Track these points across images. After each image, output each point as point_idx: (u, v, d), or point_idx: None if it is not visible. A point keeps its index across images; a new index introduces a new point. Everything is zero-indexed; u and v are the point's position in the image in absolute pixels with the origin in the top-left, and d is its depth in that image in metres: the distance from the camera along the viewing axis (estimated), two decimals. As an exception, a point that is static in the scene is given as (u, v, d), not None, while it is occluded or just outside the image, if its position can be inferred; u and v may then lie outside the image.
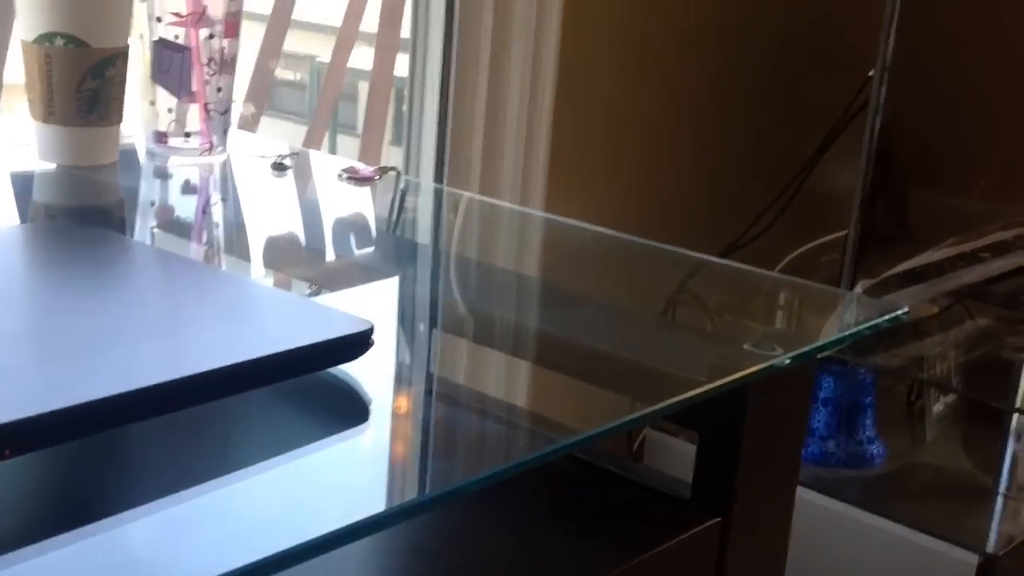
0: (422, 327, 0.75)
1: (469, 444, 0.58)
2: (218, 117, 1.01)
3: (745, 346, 0.68)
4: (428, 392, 0.64)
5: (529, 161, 1.67)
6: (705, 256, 0.89)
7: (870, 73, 1.56)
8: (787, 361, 0.66)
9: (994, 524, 1.59)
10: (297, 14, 1.87)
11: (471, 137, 1.61)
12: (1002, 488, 1.63)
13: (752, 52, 2.03)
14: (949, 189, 1.79)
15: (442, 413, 0.62)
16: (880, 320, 0.72)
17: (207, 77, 0.99)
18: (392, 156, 1.89)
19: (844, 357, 1.72)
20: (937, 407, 1.87)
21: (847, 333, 0.73)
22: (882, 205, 1.64)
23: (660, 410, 0.59)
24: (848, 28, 1.98)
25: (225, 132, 1.03)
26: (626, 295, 0.87)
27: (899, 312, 0.73)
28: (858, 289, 1.61)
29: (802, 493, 1.65)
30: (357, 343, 0.64)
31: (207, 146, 1.02)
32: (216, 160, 1.03)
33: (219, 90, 1.00)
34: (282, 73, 2.91)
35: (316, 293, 0.78)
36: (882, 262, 1.63)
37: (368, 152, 1.88)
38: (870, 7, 1.58)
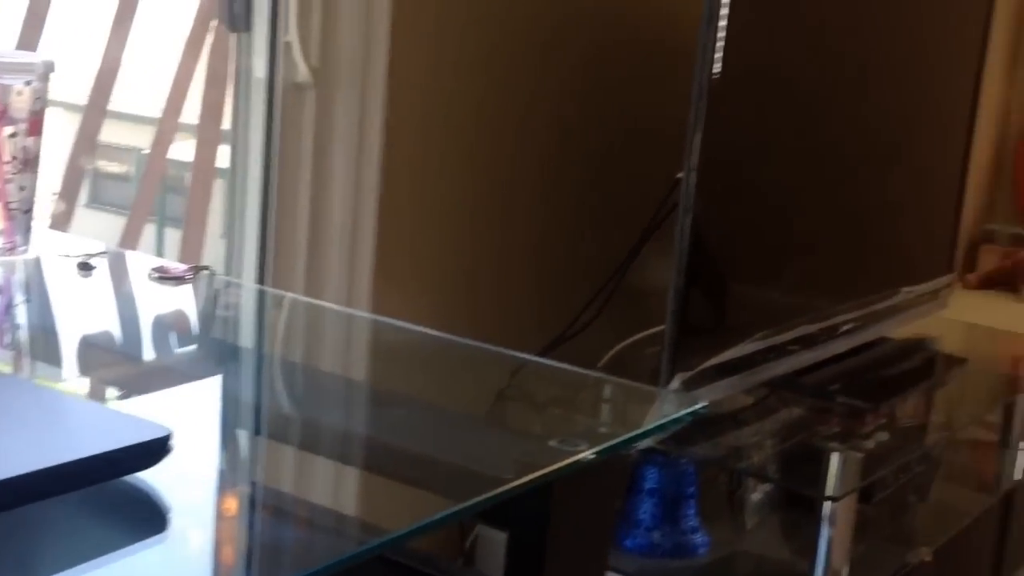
0: (228, 430, 0.73)
1: (269, 549, 0.57)
2: (21, 216, 0.98)
3: (551, 443, 0.69)
4: (230, 497, 0.63)
5: (354, 259, 1.67)
6: (524, 355, 0.90)
7: (679, 175, 1.63)
8: (591, 456, 0.67)
9: (811, 609, 1.64)
10: (122, 105, 1.84)
11: (294, 232, 1.60)
12: (818, 575, 1.68)
13: (571, 154, 2.09)
14: (759, 284, 1.87)
15: (243, 519, 0.61)
16: (681, 414, 0.74)
17: (9, 176, 0.96)
18: (221, 250, 1.86)
19: (666, 448, 1.75)
20: (755, 496, 1.93)
21: (649, 427, 0.75)
22: (697, 300, 1.70)
23: (457, 512, 0.59)
24: (662, 128, 2.07)
25: (28, 231, 1.00)
26: (445, 395, 0.87)
27: (699, 407, 0.76)
28: (675, 383, 1.65)
29: (630, 586, 1.68)
30: (155, 450, 0.62)
31: (9, 246, 0.99)
32: (19, 259, 1.00)
33: (22, 188, 0.98)
34: (107, 165, 2.84)
35: (116, 398, 0.76)
36: (698, 355, 1.68)
37: (189, 247, 1.85)
38: (679, 110, 1.66)
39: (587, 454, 0.67)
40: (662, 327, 1.75)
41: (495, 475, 0.68)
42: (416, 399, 0.84)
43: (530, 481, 0.63)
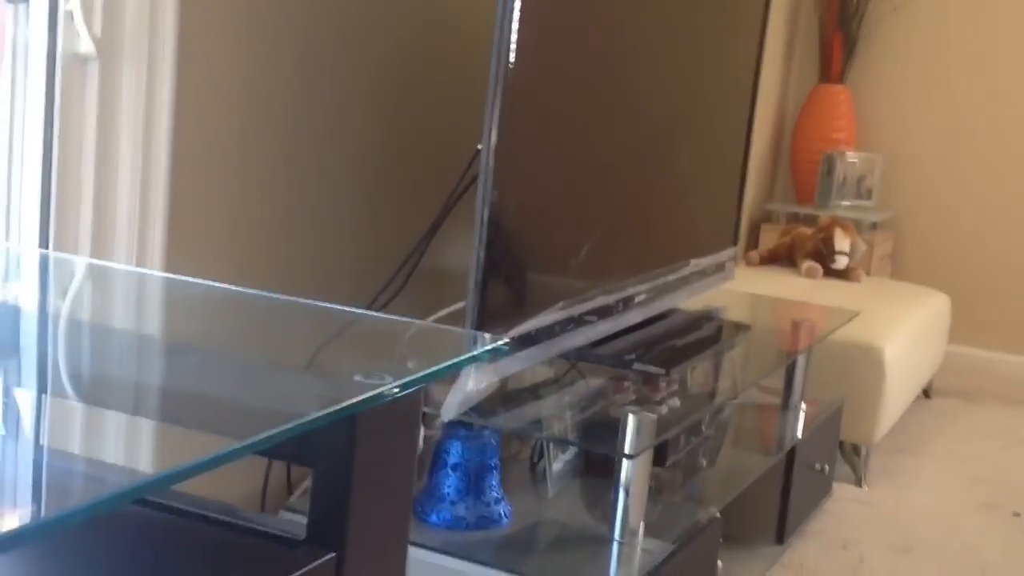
0: (7, 390, 0.70)
1: (48, 493, 0.55)
2: None
3: (356, 377, 0.68)
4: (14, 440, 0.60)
5: (145, 220, 1.62)
6: (332, 304, 0.89)
7: (479, 146, 1.65)
8: (396, 390, 0.68)
9: (611, 570, 1.69)
10: None
11: (79, 197, 1.54)
12: (616, 535, 1.74)
13: (368, 127, 2.08)
14: (557, 258, 1.92)
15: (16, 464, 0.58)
16: (481, 351, 0.75)
17: None
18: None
19: (470, 420, 1.77)
20: (557, 465, 1.97)
21: (453, 362, 0.75)
22: (498, 272, 1.72)
23: (253, 444, 0.58)
24: (460, 102, 2.09)
25: None
26: (247, 345, 0.85)
27: (499, 343, 0.77)
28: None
29: (436, 559, 1.69)
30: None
31: None
32: None
33: None
34: None
35: None
36: (500, 325, 1.71)
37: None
38: (479, 85, 1.68)
39: (390, 386, 0.67)
40: (463, 304, 1.77)
41: (296, 413, 0.67)
42: (214, 349, 0.82)
43: (334, 412, 0.62)
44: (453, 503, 1.79)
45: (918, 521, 2.60)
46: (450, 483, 1.80)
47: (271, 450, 0.61)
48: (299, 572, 0.65)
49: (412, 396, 0.71)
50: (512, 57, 1.64)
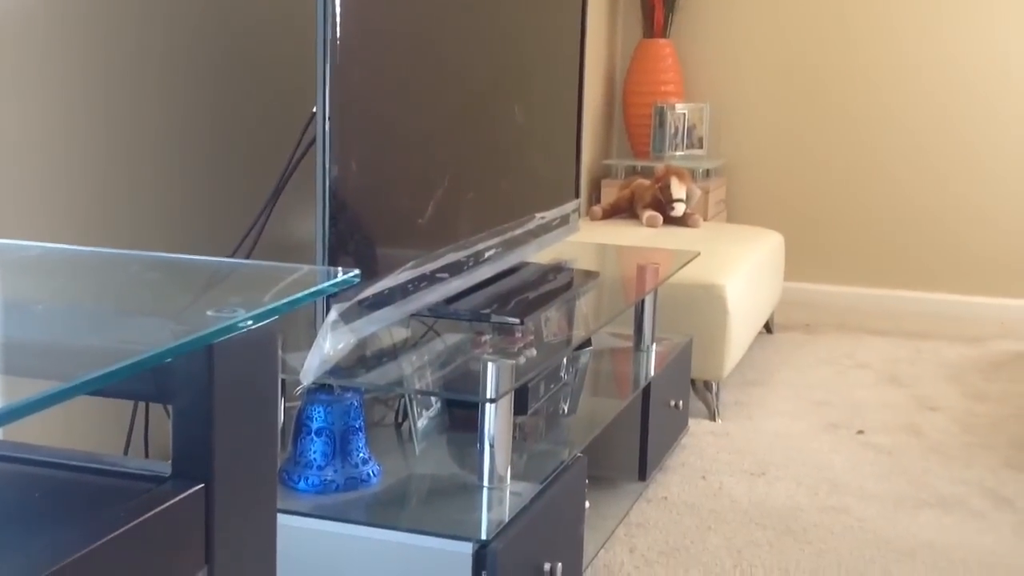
0: None
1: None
2: None
3: (208, 312, 0.69)
4: None
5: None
6: (182, 255, 0.89)
7: (313, 109, 1.65)
8: (250, 322, 0.69)
9: (482, 514, 1.72)
10: None
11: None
12: (485, 481, 1.77)
13: (205, 90, 2.05)
14: (405, 216, 1.93)
15: None
16: (329, 284, 0.77)
17: None
18: None
19: (331, 384, 1.78)
20: (422, 422, 1.99)
21: (304, 293, 0.77)
22: (344, 232, 1.73)
23: (106, 376, 0.58)
24: (293, 67, 2.07)
25: None
26: (98, 297, 0.85)
27: (350, 275, 0.78)
28: (332, 315, 1.68)
29: (308, 523, 1.69)
30: None
31: None
32: None
33: None
34: None
35: None
36: (354, 289, 1.72)
37: None
38: (308, 48, 1.67)
39: (243, 317, 0.68)
40: (314, 266, 1.77)
41: (147, 349, 0.67)
42: (63, 304, 0.81)
43: (184, 344, 0.63)
44: (321, 468, 1.80)
45: (770, 446, 2.72)
46: (316, 448, 1.80)
47: (131, 390, 0.62)
48: (165, 505, 0.65)
49: (267, 329, 0.72)
50: (338, 20, 1.64)
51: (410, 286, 1.89)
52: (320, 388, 1.80)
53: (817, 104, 4.15)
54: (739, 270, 3.02)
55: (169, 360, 0.64)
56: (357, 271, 0.79)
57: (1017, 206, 4.03)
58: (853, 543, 2.23)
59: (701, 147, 4.12)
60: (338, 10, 1.63)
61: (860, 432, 2.84)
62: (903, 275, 4.16)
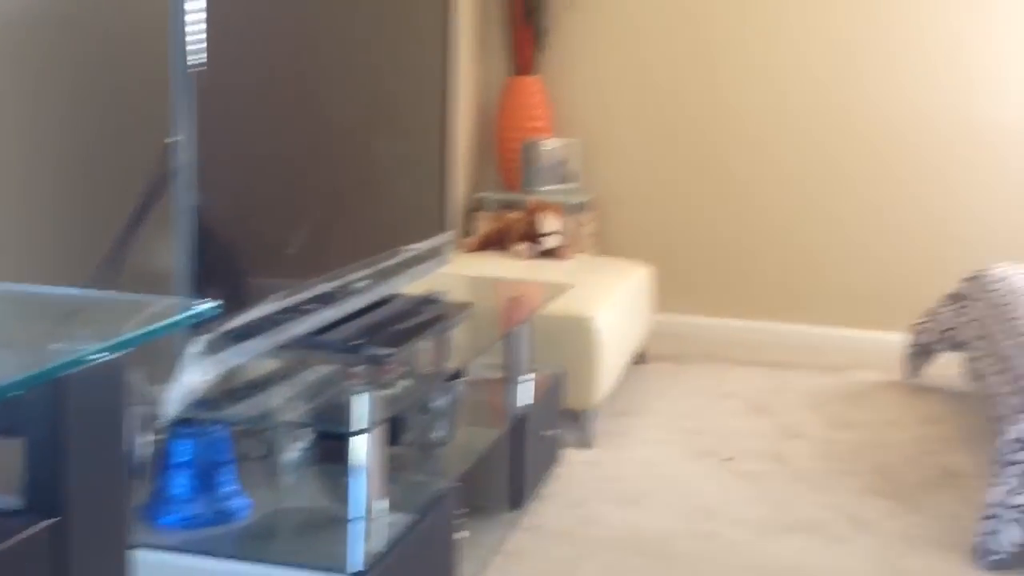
0: None
1: None
2: None
3: (55, 345, 0.67)
4: None
5: None
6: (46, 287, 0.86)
7: (167, 140, 1.61)
8: (102, 354, 0.67)
9: (356, 546, 1.70)
10: None
11: None
12: (356, 513, 1.75)
13: (68, 120, 2.00)
14: (271, 247, 1.91)
15: None
16: (185, 316, 0.75)
17: None
18: None
19: (197, 417, 1.74)
20: (293, 455, 1.96)
21: (159, 326, 0.75)
22: (208, 268, 1.69)
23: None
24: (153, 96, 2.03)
25: None
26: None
27: (208, 307, 0.77)
28: (196, 346, 1.64)
29: (175, 559, 1.64)
30: None
31: None
32: None
33: None
34: None
35: None
36: (218, 317, 1.68)
37: None
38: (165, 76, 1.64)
39: (93, 350, 0.66)
40: (175, 298, 1.73)
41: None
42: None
43: (26, 380, 0.61)
44: (186, 502, 1.75)
45: (642, 474, 2.76)
46: (181, 483, 1.76)
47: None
48: (16, 539, 0.63)
49: (119, 361, 0.70)
50: (198, 52, 1.62)
51: (279, 317, 1.86)
52: (185, 421, 1.76)
53: (685, 138, 4.26)
54: (609, 302, 3.06)
55: (19, 393, 0.62)
56: (218, 303, 0.78)
57: (876, 239, 4.19)
58: (725, 568, 2.27)
59: (572, 181, 4.18)
60: (197, 38, 1.61)
61: (729, 459, 2.90)
62: (769, 307, 4.28)
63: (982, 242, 4.05)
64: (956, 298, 3.56)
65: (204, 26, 1.63)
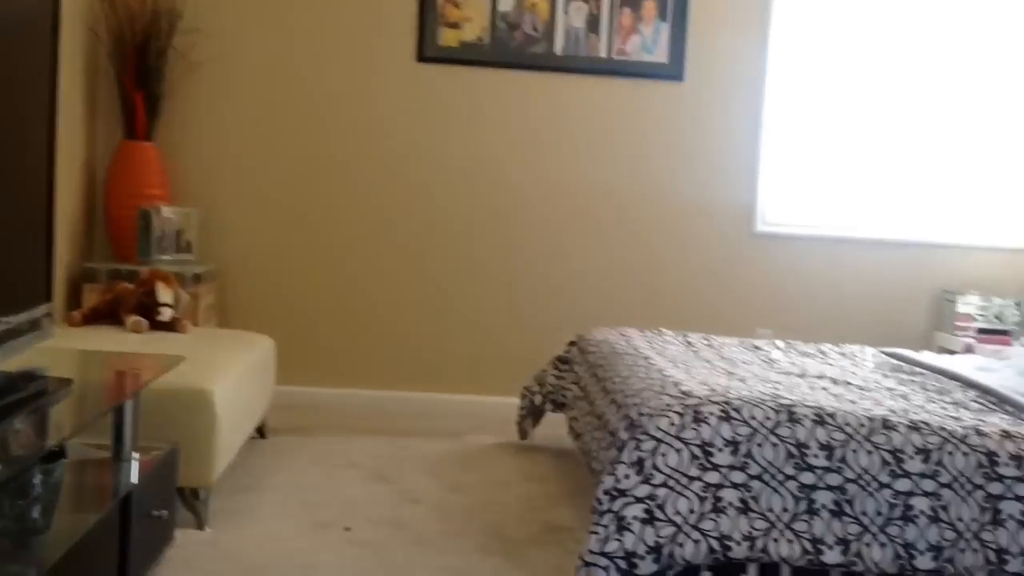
0: None
1: None
2: None
3: None
4: None
5: None
6: None
7: None
8: None
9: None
10: None
11: None
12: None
13: None
14: None
15: None
16: None
17: None
18: None
19: None
20: None
21: None
22: None
23: None
24: None
25: None
26: None
27: None
28: None
29: None
30: None
31: None
32: None
33: None
34: None
35: None
36: None
37: None
38: None
39: None
40: None
41: None
42: None
43: None
44: None
45: (259, 551, 2.71)
46: None
47: None
48: None
49: None
50: None
51: None
52: None
53: (303, 212, 4.28)
54: (228, 375, 3.00)
55: None
56: None
57: (492, 307, 4.40)
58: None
59: (190, 251, 4.08)
60: None
61: (347, 529, 2.91)
62: (391, 376, 4.36)
63: (590, 308, 4.37)
64: (562, 361, 3.82)
65: None
